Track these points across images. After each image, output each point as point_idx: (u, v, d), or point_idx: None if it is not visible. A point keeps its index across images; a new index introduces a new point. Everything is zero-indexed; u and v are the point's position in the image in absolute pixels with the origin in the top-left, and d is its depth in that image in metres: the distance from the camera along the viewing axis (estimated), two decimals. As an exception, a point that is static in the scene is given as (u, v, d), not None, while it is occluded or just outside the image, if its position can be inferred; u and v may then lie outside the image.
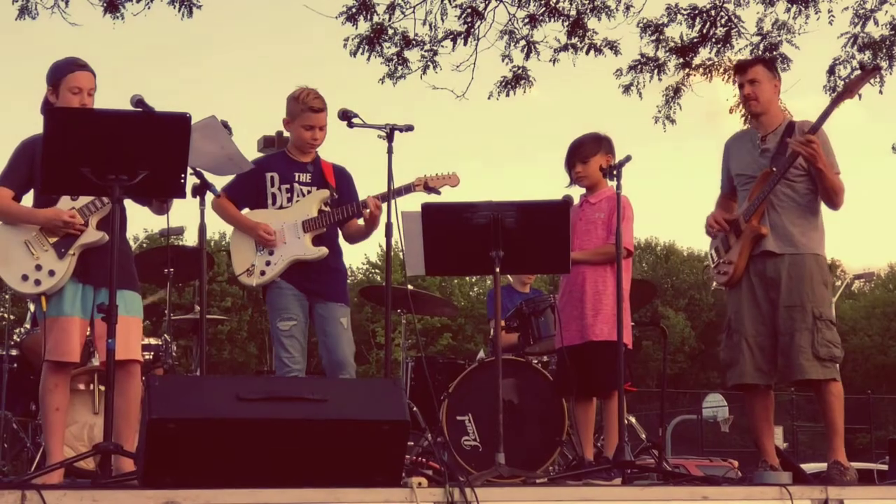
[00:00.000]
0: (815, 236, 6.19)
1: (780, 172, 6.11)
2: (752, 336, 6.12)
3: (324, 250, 6.50)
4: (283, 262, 6.49)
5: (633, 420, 8.54)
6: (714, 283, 6.51)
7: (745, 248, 6.16)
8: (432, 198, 6.59)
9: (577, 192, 6.87)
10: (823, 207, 6.26)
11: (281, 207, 6.58)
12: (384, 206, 6.37)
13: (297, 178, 6.62)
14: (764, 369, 6.12)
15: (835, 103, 6.31)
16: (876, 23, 12.66)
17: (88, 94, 5.68)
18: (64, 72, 5.68)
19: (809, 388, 6.26)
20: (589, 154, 6.72)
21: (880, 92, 12.75)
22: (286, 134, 7.01)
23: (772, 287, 6.09)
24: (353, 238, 6.77)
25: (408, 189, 6.54)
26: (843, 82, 12.57)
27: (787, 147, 6.14)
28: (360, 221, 6.63)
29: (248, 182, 6.59)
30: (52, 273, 5.58)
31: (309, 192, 6.61)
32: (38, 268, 5.59)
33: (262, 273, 6.51)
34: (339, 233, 6.69)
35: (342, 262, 6.76)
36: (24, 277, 5.59)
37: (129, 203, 5.48)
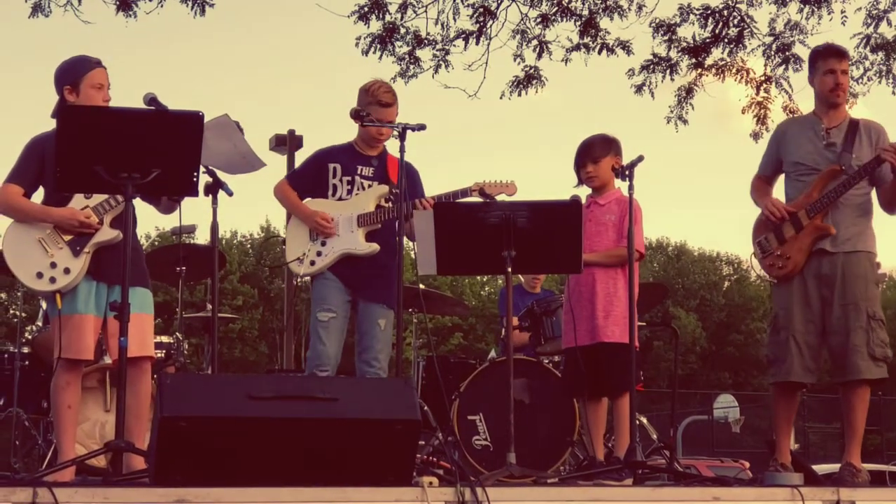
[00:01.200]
0: (870, 235, 6.12)
1: (861, 174, 5.99)
2: (801, 333, 6.02)
3: (374, 247, 6.49)
4: (334, 255, 6.49)
5: (644, 420, 8.53)
6: (762, 276, 6.33)
7: (807, 245, 6.04)
8: None
9: (582, 193, 6.84)
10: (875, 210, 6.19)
11: (340, 199, 6.58)
12: (403, 205, 6.33)
13: (359, 171, 6.61)
14: (811, 368, 6.06)
15: None
16: (889, 23, 12.64)
17: (108, 89, 5.74)
18: (85, 69, 5.70)
19: (821, 390, 6.21)
20: (600, 154, 6.70)
21: (894, 92, 12.74)
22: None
23: (825, 284, 6.01)
24: (411, 237, 6.69)
25: (464, 193, 6.50)
26: (861, 82, 12.59)
27: (854, 145, 6.05)
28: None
29: (312, 170, 6.64)
30: (67, 271, 5.58)
31: (370, 185, 6.59)
32: (53, 265, 5.59)
33: (312, 263, 6.51)
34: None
35: (394, 263, 6.71)
36: (39, 275, 5.60)
37: (137, 201, 5.49)
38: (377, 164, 6.66)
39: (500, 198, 6.43)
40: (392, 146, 6.69)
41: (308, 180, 6.71)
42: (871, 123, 6.18)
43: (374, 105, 6.49)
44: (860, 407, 6.00)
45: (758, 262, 6.31)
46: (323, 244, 6.52)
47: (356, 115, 6.34)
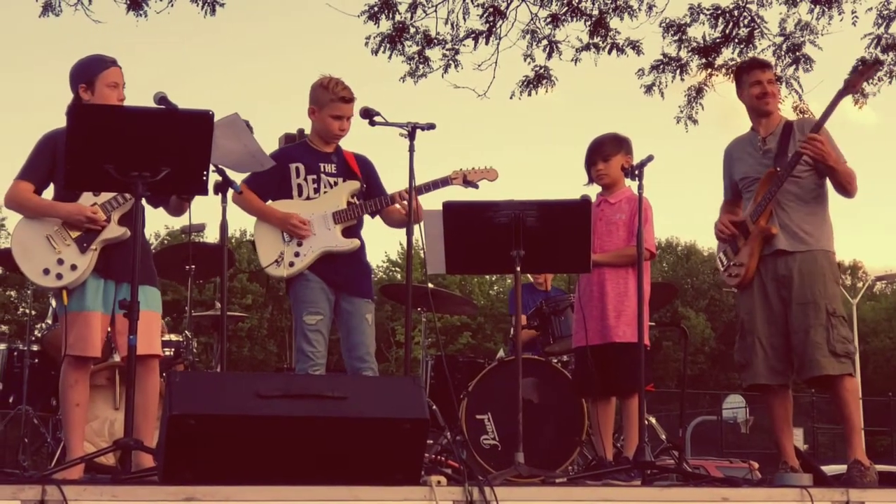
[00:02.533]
0: (825, 232, 6.19)
1: (786, 172, 6.10)
2: (764, 336, 6.12)
3: (356, 242, 6.49)
4: (314, 254, 6.43)
5: (652, 421, 8.53)
6: (726, 286, 6.51)
7: (756, 249, 6.16)
8: (469, 193, 6.58)
9: (591, 192, 6.86)
10: (832, 201, 6.27)
11: (308, 199, 6.53)
12: (415, 199, 6.32)
13: (322, 169, 6.57)
14: (778, 369, 6.11)
15: (836, 100, 6.27)
16: (901, 22, 12.60)
17: (122, 88, 5.77)
18: (100, 68, 5.73)
19: (826, 390, 6.24)
20: (611, 153, 6.71)
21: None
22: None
23: (784, 285, 6.09)
24: (397, 224, 6.65)
25: (444, 182, 6.51)
26: (871, 83, 12.54)
27: (789, 146, 6.16)
28: (399, 207, 6.57)
29: (271, 173, 6.47)
30: (74, 267, 5.60)
31: (336, 183, 6.56)
32: (60, 262, 5.61)
33: (291, 264, 6.44)
34: (362, 226, 6.63)
35: (366, 257, 6.73)
36: (46, 271, 5.61)
37: (145, 203, 5.51)
38: (337, 160, 6.63)
39: (484, 185, 6.51)
40: (359, 147, 6.74)
41: (269, 183, 6.54)
42: (805, 121, 6.44)
43: (335, 101, 6.49)
44: (850, 400, 6.03)
45: (720, 274, 6.47)
46: (299, 244, 6.45)
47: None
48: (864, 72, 6.93)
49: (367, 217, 6.64)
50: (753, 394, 8.48)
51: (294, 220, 6.44)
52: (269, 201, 6.58)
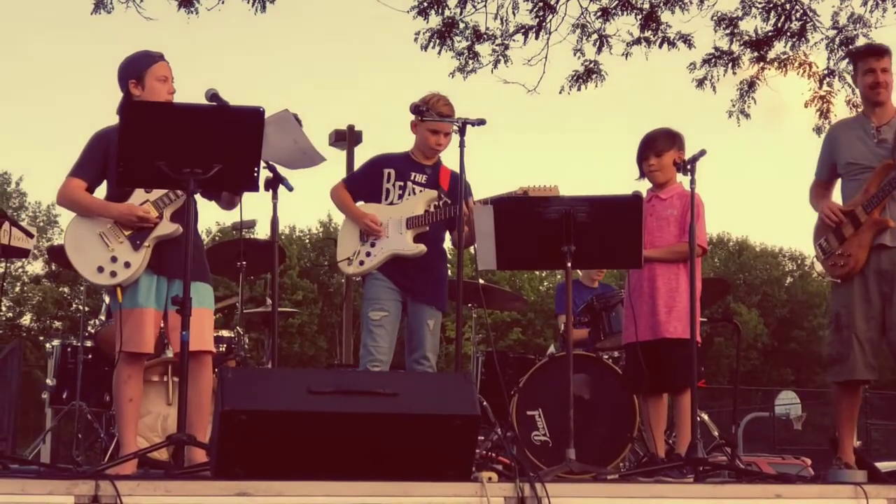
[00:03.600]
0: None
1: None
2: (862, 331, 5.97)
3: (422, 247, 6.59)
4: (383, 255, 6.60)
5: (705, 417, 8.48)
6: (828, 276, 6.32)
7: (867, 241, 5.98)
8: None
9: (642, 187, 6.82)
10: None
11: (391, 203, 6.69)
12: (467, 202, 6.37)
13: (412, 178, 6.73)
14: (873, 365, 6.01)
15: None
16: (959, 14, 12.47)
17: (172, 82, 5.79)
18: (148, 63, 5.76)
19: (883, 386, 6.14)
20: (664, 148, 6.68)
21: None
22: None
23: (885, 280, 5.97)
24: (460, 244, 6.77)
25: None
26: None
27: None
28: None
29: (367, 176, 6.81)
30: (127, 265, 5.63)
31: (420, 191, 6.69)
32: (114, 259, 5.64)
33: (361, 263, 6.65)
34: (443, 238, 6.78)
35: (444, 266, 6.84)
36: (100, 269, 5.65)
37: (198, 197, 5.53)
38: (430, 173, 6.77)
39: None
40: (448, 158, 6.82)
41: (363, 184, 6.85)
42: None
43: (431, 108, 6.54)
44: None
45: (820, 263, 6.29)
46: (372, 245, 6.64)
47: (416, 109, 6.39)
48: None
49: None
50: (807, 390, 8.39)
51: (368, 219, 6.62)
52: (360, 203, 6.76)
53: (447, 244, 6.86)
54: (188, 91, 5.77)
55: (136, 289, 5.66)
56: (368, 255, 6.63)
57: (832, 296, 6.25)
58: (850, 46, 12.39)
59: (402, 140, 6.80)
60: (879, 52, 6.27)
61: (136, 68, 5.75)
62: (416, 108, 6.44)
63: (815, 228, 6.34)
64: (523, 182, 6.62)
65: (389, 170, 6.74)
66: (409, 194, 6.70)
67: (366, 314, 6.60)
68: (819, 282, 48.11)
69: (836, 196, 6.36)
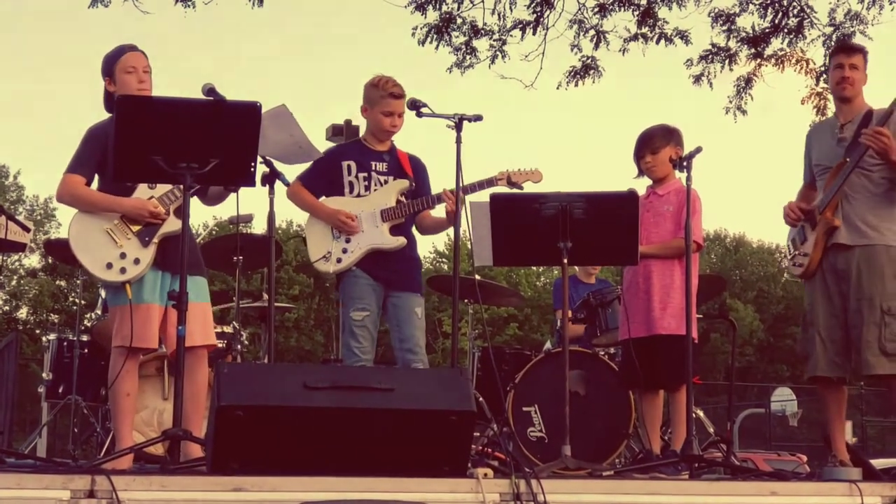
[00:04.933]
0: (890, 228, 6.07)
1: (853, 163, 6.02)
2: (825, 329, 6.06)
3: (402, 240, 6.52)
4: (361, 250, 6.49)
5: (700, 413, 8.48)
6: (790, 274, 6.42)
7: (820, 240, 6.08)
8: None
9: (641, 184, 6.84)
10: None
11: (358, 196, 6.58)
12: (461, 197, 6.34)
13: (374, 167, 6.61)
14: (837, 362, 6.05)
15: None
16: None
17: (144, 72, 5.74)
18: (116, 57, 5.74)
19: (880, 383, 6.17)
20: (660, 145, 6.68)
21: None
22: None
23: (843, 280, 6.03)
24: (428, 230, 6.78)
25: (490, 182, 6.50)
26: None
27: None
28: (433, 213, 6.62)
29: (324, 170, 6.61)
30: (137, 261, 5.62)
31: (386, 181, 6.60)
32: (123, 256, 5.63)
33: (339, 260, 6.50)
34: (413, 223, 6.69)
35: (417, 252, 6.75)
36: (109, 266, 5.62)
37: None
38: (389, 159, 6.68)
39: (528, 187, 6.48)
40: (406, 139, 6.77)
41: (322, 180, 6.66)
42: (886, 111, 6.12)
43: (386, 98, 6.54)
44: None
45: (787, 264, 6.39)
46: (347, 241, 6.51)
47: (413, 104, 6.33)
48: None
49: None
50: (802, 386, 8.42)
51: (342, 215, 6.49)
52: (322, 198, 6.63)
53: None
54: (185, 86, 5.77)
55: (142, 285, 5.65)
56: (345, 251, 6.50)
57: (805, 294, 6.31)
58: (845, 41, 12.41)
59: (399, 134, 6.75)
60: (849, 49, 6.39)
61: (108, 63, 5.74)
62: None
63: (789, 230, 6.45)
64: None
65: (348, 162, 6.62)
66: (375, 185, 6.58)
67: (347, 314, 6.48)
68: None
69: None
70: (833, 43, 12.47)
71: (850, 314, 5.98)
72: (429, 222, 6.72)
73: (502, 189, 6.47)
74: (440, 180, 6.59)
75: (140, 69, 5.72)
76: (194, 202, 5.71)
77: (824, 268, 6.10)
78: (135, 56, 5.75)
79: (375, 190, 6.58)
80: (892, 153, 5.89)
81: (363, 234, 6.49)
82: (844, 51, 6.34)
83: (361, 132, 7.02)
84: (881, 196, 6.08)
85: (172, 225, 5.66)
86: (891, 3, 12.27)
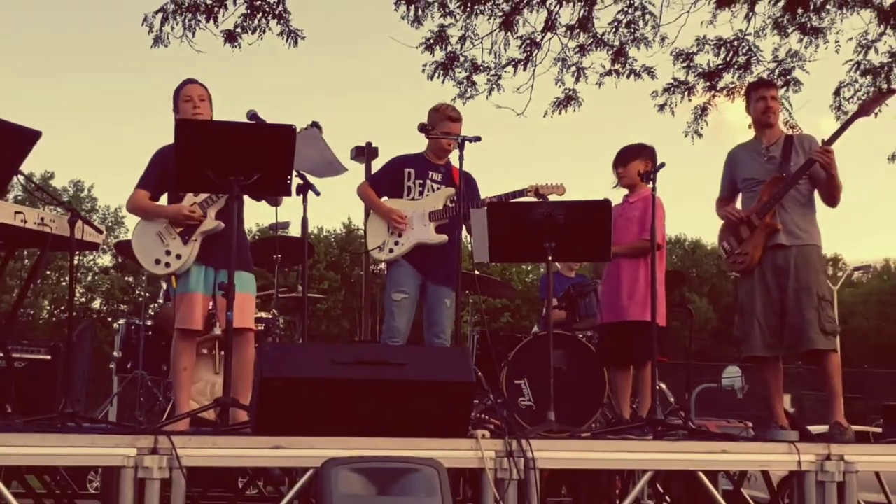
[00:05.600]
0: (816, 231, 6.14)
1: (796, 177, 6.04)
2: (761, 316, 6.06)
3: (444, 237, 6.54)
4: (409, 244, 6.53)
5: (663, 386, 8.47)
6: (729, 272, 6.40)
7: (761, 241, 6.08)
8: None
9: (620, 194, 6.85)
10: (819, 206, 6.20)
11: (413, 199, 6.62)
12: (458, 203, 6.34)
13: (430, 176, 6.66)
14: (771, 344, 6.06)
15: (851, 121, 6.22)
16: (876, 51, 12.44)
17: (200, 100, 5.75)
18: (178, 90, 5.80)
19: (814, 363, 6.16)
20: (628, 159, 6.70)
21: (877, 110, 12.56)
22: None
23: (781, 274, 6.03)
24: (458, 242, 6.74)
25: (521, 193, 6.49)
26: (852, 102, 12.43)
27: (791, 156, 6.10)
28: None
29: (390, 175, 6.69)
30: (178, 257, 5.66)
31: (437, 188, 6.64)
32: (168, 253, 5.68)
33: (391, 251, 6.56)
34: (460, 228, 6.63)
35: (457, 250, 6.74)
36: (157, 261, 5.69)
37: (247, 198, 5.55)
38: (444, 171, 6.72)
39: (552, 197, 6.42)
40: (454, 157, 6.73)
41: (386, 182, 6.74)
42: (804, 136, 6.27)
43: (444, 120, 6.57)
44: (834, 372, 5.97)
45: (723, 262, 6.34)
46: (399, 235, 6.56)
47: (423, 128, 6.39)
48: (878, 98, 6.71)
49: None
50: (749, 365, 8.39)
51: (395, 214, 6.54)
52: (384, 198, 6.68)
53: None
54: (232, 110, 5.78)
55: (188, 277, 5.69)
56: (396, 244, 6.55)
57: (737, 288, 6.30)
58: (788, 76, 12.40)
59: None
60: (769, 84, 6.45)
61: (174, 96, 5.80)
62: (423, 128, 6.41)
63: (719, 233, 6.40)
64: (532, 180, 6.62)
65: (409, 169, 6.68)
66: (428, 191, 6.63)
67: (388, 295, 6.54)
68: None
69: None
70: (776, 77, 12.43)
71: (789, 302, 5.97)
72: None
73: (530, 198, 6.45)
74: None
75: (195, 97, 5.73)
76: (252, 207, 5.76)
77: (764, 264, 6.09)
78: (191, 87, 5.77)
79: (427, 195, 6.62)
80: (833, 168, 5.93)
81: (413, 231, 6.54)
82: (765, 85, 6.39)
83: (380, 153, 7.07)
84: (806, 204, 6.14)
85: (210, 224, 5.68)
86: (825, 43, 12.28)
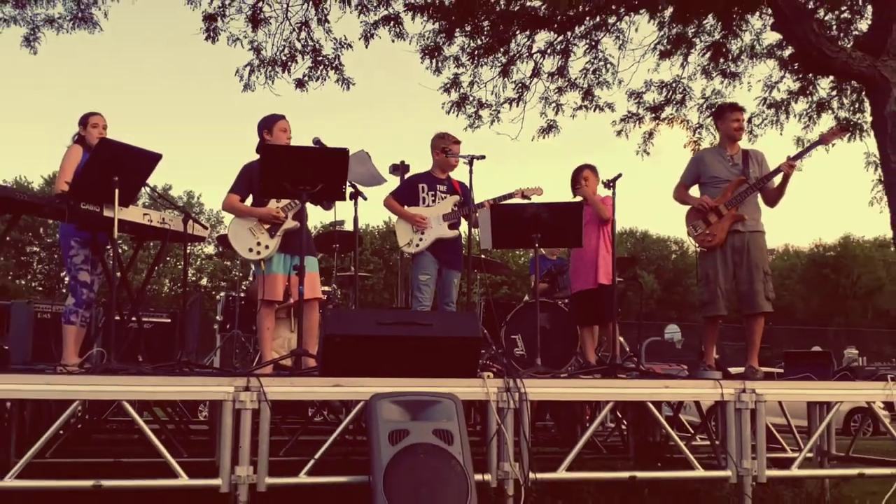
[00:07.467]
0: (761, 220, 6.05)
1: (761, 182, 5.97)
2: (723, 284, 5.95)
3: (456, 233, 6.54)
4: (430, 239, 6.50)
5: (621, 340, 8.47)
6: (699, 246, 6.22)
7: (726, 226, 5.96)
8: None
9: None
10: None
11: (428, 206, 6.61)
12: (486, 205, 6.33)
13: (438, 188, 6.63)
14: (727, 307, 6.00)
15: (811, 147, 6.28)
16: (778, 90, 12.50)
17: (289, 132, 5.77)
18: (275, 119, 5.77)
19: (751, 321, 5.97)
20: (574, 184, 6.94)
21: (780, 134, 12.54)
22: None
23: (737, 253, 5.94)
24: (469, 234, 6.77)
25: (510, 195, 6.48)
26: (760, 128, 12.44)
27: (749, 165, 6.01)
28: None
29: (409, 189, 6.68)
30: (266, 247, 5.66)
31: (445, 196, 6.62)
32: (258, 244, 5.67)
33: (417, 245, 6.51)
34: (459, 223, 6.67)
35: (460, 243, 6.77)
36: (250, 250, 5.68)
37: (309, 205, 5.54)
38: (447, 183, 6.69)
39: (534, 198, 6.43)
40: (455, 172, 6.76)
41: (407, 195, 6.69)
42: (756, 151, 6.15)
43: (451, 143, 6.57)
44: (758, 331, 5.93)
45: (692, 238, 6.22)
46: (422, 233, 6.53)
47: (443, 151, 6.42)
48: (836, 132, 6.40)
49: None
50: (684, 323, 8.33)
51: (418, 217, 6.53)
52: (406, 206, 6.65)
53: (463, 228, 6.80)
54: (302, 137, 5.77)
55: (272, 262, 5.68)
56: (421, 240, 6.51)
57: (701, 261, 6.15)
58: (712, 109, 12.31)
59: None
60: (741, 108, 6.27)
61: (269, 123, 5.77)
62: (443, 150, 6.48)
63: (688, 214, 6.22)
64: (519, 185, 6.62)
65: (423, 184, 6.64)
66: (438, 199, 6.61)
67: (416, 276, 6.52)
68: (691, 256, 47.84)
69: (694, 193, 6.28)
70: (704, 109, 12.45)
71: (742, 275, 5.89)
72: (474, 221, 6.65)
73: (518, 198, 6.46)
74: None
75: (288, 130, 5.77)
76: (316, 208, 5.76)
77: (726, 244, 5.97)
78: (286, 122, 5.79)
79: (439, 202, 6.60)
80: (789, 179, 5.91)
81: (432, 229, 6.51)
82: (739, 109, 6.21)
83: (412, 170, 7.06)
84: (755, 201, 6.06)
85: (289, 224, 5.68)
86: (741, 84, 12.27)
